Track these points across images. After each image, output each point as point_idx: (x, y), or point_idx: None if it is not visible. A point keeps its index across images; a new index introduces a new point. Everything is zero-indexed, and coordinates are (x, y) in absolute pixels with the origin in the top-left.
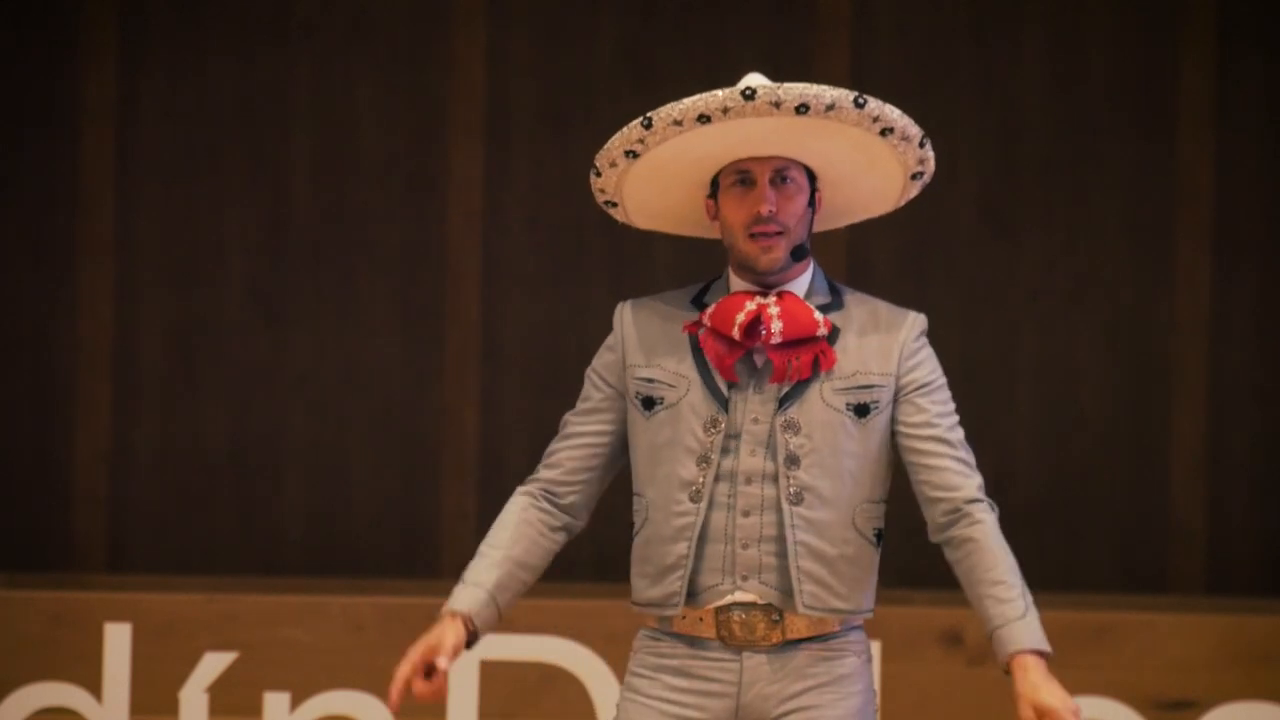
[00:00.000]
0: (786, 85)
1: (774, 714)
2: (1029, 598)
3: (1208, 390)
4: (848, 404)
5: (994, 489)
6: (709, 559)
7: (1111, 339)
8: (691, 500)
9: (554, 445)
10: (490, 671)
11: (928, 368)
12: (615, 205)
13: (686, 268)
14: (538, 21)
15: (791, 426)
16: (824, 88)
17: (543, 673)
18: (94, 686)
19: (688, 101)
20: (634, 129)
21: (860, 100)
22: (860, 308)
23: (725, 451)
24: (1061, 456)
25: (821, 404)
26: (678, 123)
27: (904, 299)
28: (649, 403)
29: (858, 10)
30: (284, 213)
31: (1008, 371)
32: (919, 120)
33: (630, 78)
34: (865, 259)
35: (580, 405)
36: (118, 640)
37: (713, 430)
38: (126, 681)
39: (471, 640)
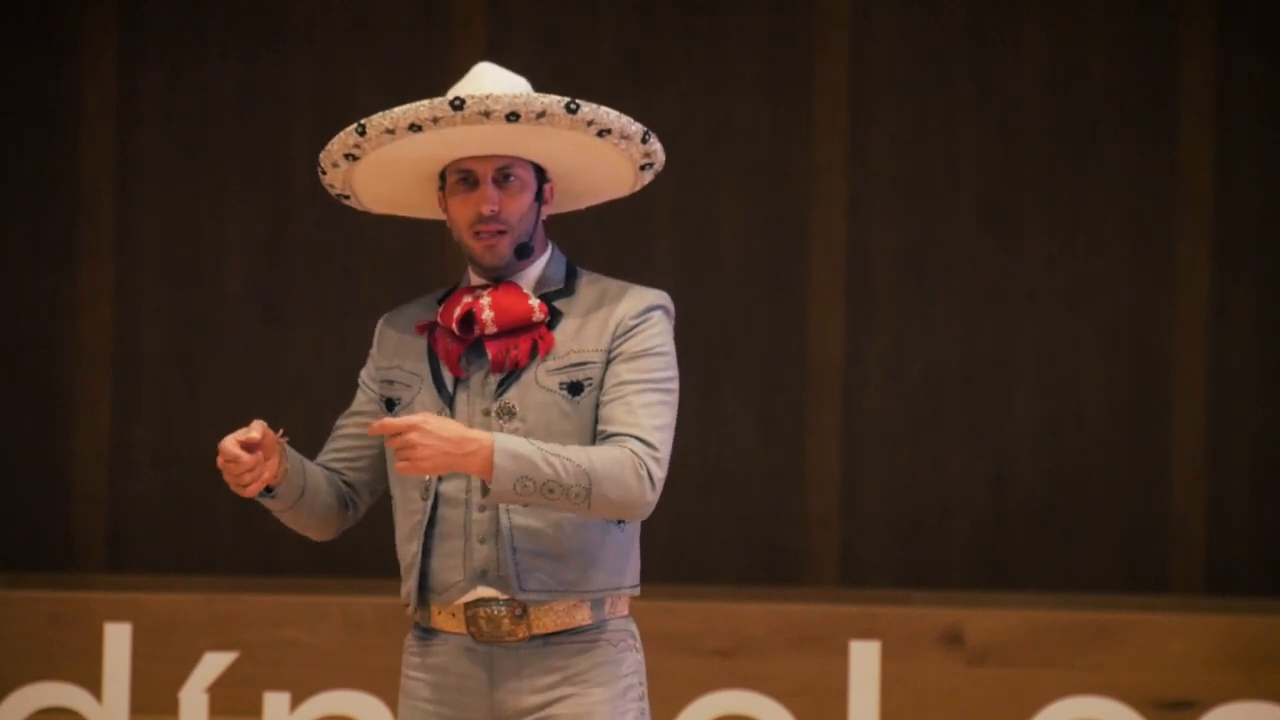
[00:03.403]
0: (495, 94)
1: (526, 706)
2: (552, 469)
3: (1208, 390)
4: (561, 383)
5: (994, 489)
6: (447, 556)
7: (1111, 339)
8: (422, 498)
9: (324, 449)
10: None
11: (639, 339)
12: (348, 197)
13: (687, 266)
14: (538, 21)
15: (507, 412)
16: (534, 95)
17: None
18: (94, 686)
19: (398, 111)
20: (349, 134)
21: (572, 106)
22: (591, 290)
23: None
24: (1061, 456)
25: (537, 386)
26: (390, 131)
27: (904, 299)
28: (390, 404)
29: (858, 10)
30: (284, 212)
31: (1008, 371)
32: (919, 119)
33: (630, 78)
34: (865, 259)
35: (348, 410)
36: (118, 640)
37: None
38: (126, 681)
39: (270, 487)
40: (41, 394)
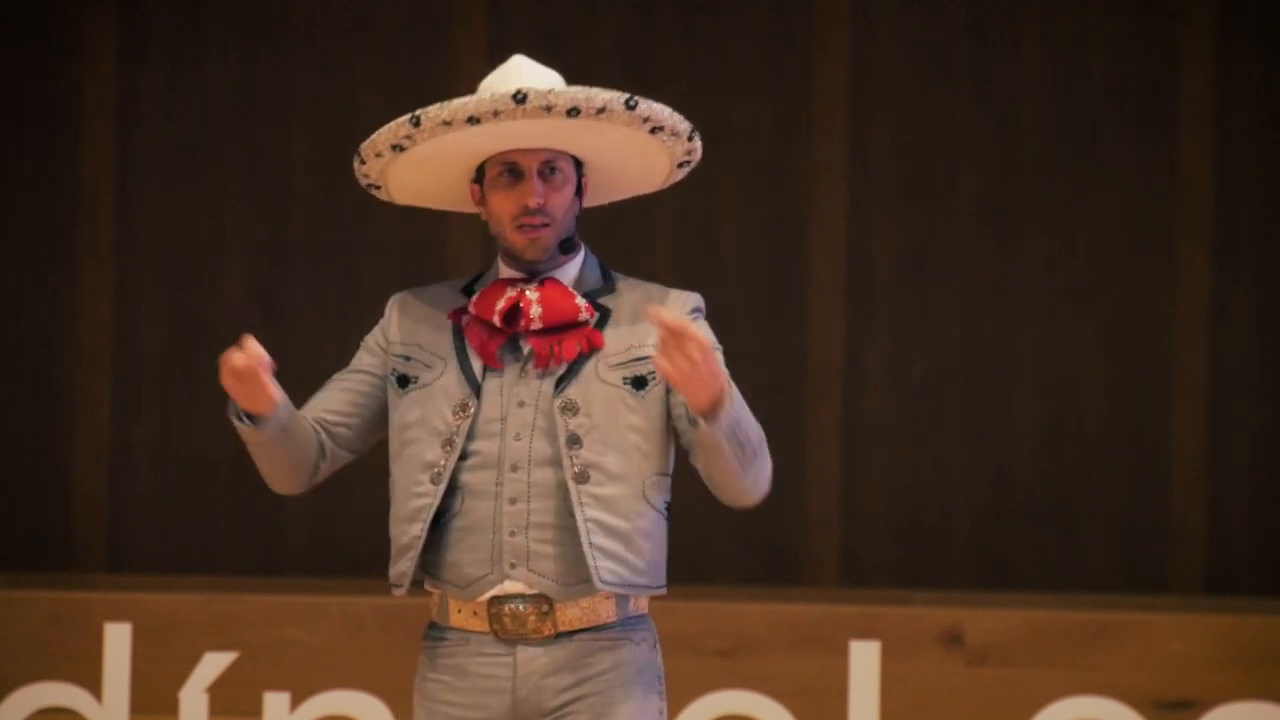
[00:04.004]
0: (557, 89)
1: (550, 706)
2: (749, 423)
3: (1208, 390)
4: (624, 378)
5: (994, 489)
6: (475, 549)
7: (1111, 339)
8: (431, 482)
9: (313, 402)
10: None
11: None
12: (379, 188)
13: (687, 266)
14: (538, 21)
15: (570, 408)
16: (595, 91)
17: None
18: (94, 686)
19: (457, 103)
20: (401, 125)
21: (632, 102)
22: (632, 290)
23: (480, 437)
24: (1061, 456)
25: (599, 381)
26: (447, 123)
27: (904, 299)
28: (404, 380)
29: (858, 10)
30: (284, 212)
31: (1008, 371)
32: (919, 119)
33: (630, 78)
34: (865, 259)
35: (346, 369)
36: (118, 640)
37: (461, 414)
38: (126, 681)
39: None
40: (41, 394)
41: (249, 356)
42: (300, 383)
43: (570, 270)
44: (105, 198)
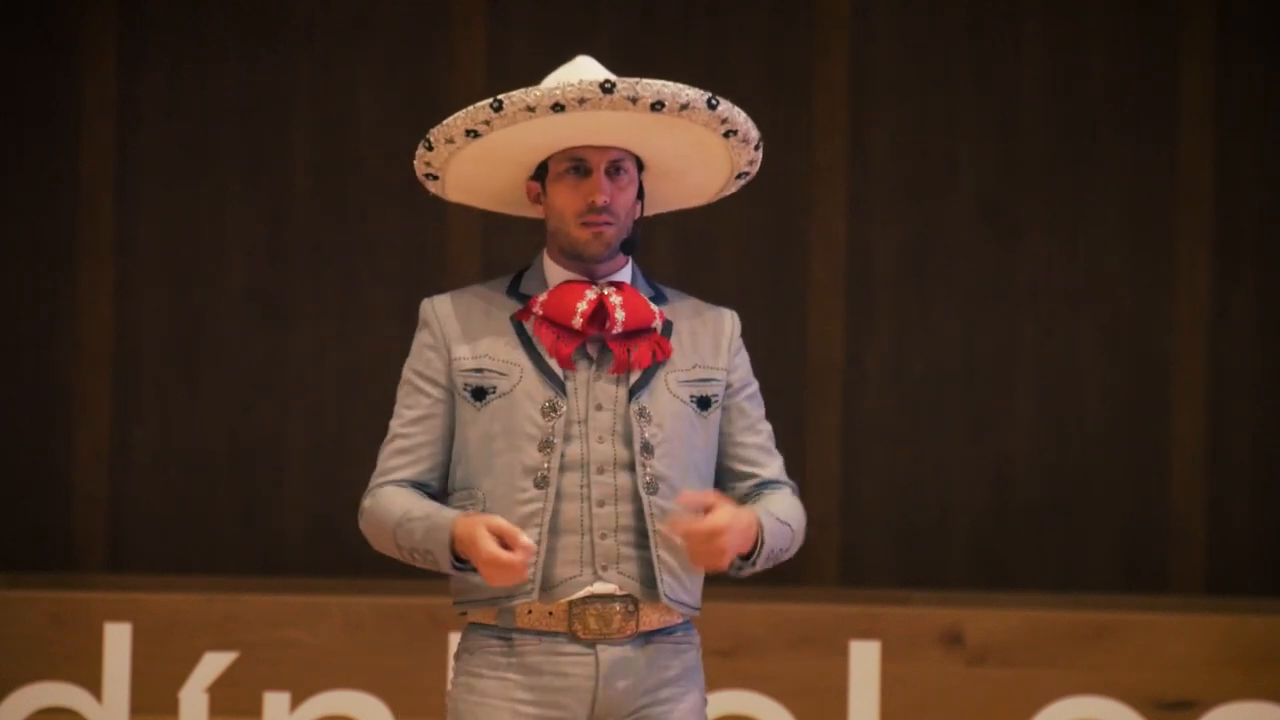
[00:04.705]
0: (644, 81)
1: (629, 707)
2: (784, 536)
3: (1208, 390)
4: (691, 396)
5: (994, 489)
6: (564, 550)
7: (1111, 339)
8: (536, 486)
9: (387, 462)
10: None
11: (749, 368)
12: (435, 179)
13: (688, 263)
14: (538, 21)
15: (645, 415)
16: (680, 87)
17: None
18: (94, 686)
19: (540, 89)
20: (481, 110)
21: (714, 101)
22: (682, 302)
23: (569, 439)
24: (1061, 456)
25: (668, 394)
26: (530, 109)
27: (904, 299)
28: (480, 393)
29: (858, 10)
30: (284, 212)
31: (1008, 371)
32: (919, 119)
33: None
34: (865, 259)
35: (406, 415)
36: (118, 640)
37: (552, 415)
38: (126, 681)
39: None
40: (41, 394)
41: (525, 554)
42: (300, 382)
43: (627, 274)
44: (105, 198)
